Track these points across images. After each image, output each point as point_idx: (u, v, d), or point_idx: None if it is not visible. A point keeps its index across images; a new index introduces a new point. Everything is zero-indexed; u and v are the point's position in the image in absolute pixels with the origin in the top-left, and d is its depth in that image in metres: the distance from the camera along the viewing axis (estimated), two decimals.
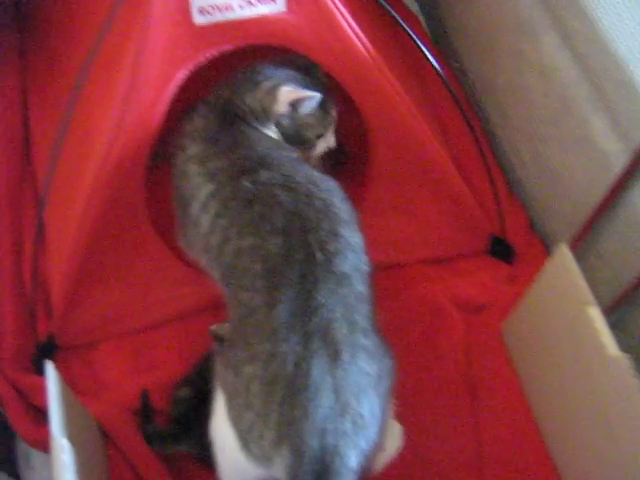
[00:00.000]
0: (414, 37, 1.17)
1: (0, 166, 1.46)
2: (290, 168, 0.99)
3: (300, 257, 0.89)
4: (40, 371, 1.27)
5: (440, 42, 1.72)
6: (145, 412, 1.21)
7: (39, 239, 1.24)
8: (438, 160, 1.29)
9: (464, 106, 1.33)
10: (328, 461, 0.84)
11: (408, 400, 1.26)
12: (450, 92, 1.27)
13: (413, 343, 1.32)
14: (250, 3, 1.08)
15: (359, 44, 1.14)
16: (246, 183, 0.96)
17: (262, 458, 0.88)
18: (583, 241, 1.28)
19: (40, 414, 1.23)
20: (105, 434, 1.19)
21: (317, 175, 1.00)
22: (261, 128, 1.10)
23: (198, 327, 1.32)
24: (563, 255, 1.10)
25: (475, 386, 1.27)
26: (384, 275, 1.39)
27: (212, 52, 1.11)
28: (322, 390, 0.84)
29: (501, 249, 1.43)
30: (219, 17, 1.08)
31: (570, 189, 1.33)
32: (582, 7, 1.21)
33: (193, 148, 1.06)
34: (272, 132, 1.12)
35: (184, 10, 1.06)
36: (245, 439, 0.88)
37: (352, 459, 0.85)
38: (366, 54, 1.15)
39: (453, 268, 1.41)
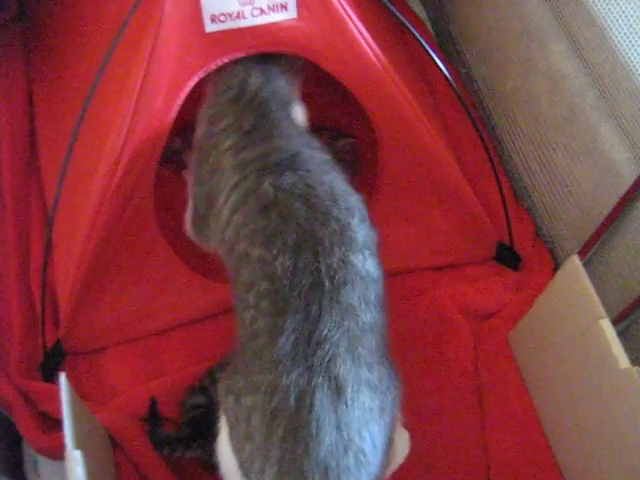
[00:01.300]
0: (423, 43, 1.16)
1: (6, 173, 1.46)
2: (315, 176, 0.95)
3: (307, 283, 0.85)
4: (47, 378, 1.28)
5: (447, 48, 1.72)
6: (153, 419, 1.21)
7: (48, 246, 1.23)
8: (446, 168, 1.29)
9: (472, 113, 1.33)
10: None
11: (415, 407, 1.26)
12: (459, 98, 1.26)
13: (420, 350, 1.32)
14: (262, 11, 1.08)
15: (370, 51, 1.14)
16: (268, 186, 0.93)
17: None
18: (591, 250, 1.28)
19: (47, 421, 1.23)
20: (113, 441, 1.19)
21: (341, 189, 0.96)
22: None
23: (206, 333, 1.33)
24: (574, 266, 1.10)
25: (482, 394, 1.28)
26: (391, 282, 1.38)
27: (223, 59, 1.11)
28: (325, 427, 0.82)
29: (508, 256, 1.43)
30: (231, 25, 1.07)
31: (578, 197, 1.33)
32: (592, 15, 1.22)
33: (228, 142, 1.02)
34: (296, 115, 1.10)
35: (196, 18, 1.06)
36: (246, 470, 0.87)
37: None
38: (377, 62, 1.15)
39: (460, 275, 1.41)
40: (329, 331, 0.84)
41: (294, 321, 0.84)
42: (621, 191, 1.19)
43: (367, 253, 0.92)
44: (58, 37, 1.52)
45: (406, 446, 1.07)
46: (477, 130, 1.32)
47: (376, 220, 1.31)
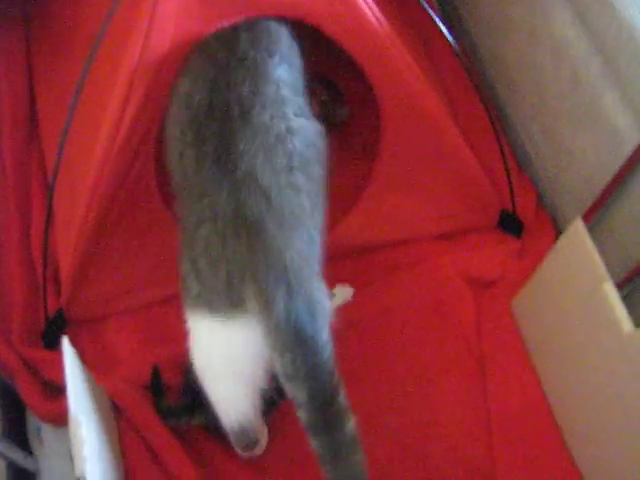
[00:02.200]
0: (428, 10, 1.16)
1: (6, 143, 1.46)
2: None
3: (220, 111, 0.96)
4: (49, 346, 1.28)
5: (450, 16, 1.71)
6: (156, 387, 1.21)
7: (49, 214, 1.23)
8: (449, 136, 1.28)
9: (475, 81, 1.32)
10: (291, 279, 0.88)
11: (416, 372, 1.28)
12: (462, 65, 1.26)
13: (423, 317, 1.33)
14: None
15: (372, 18, 1.13)
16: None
17: (232, 304, 0.90)
18: (594, 216, 1.27)
19: (50, 388, 1.24)
20: (117, 409, 1.20)
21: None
22: None
23: None
24: (577, 231, 1.09)
25: (484, 360, 1.28)
26: (394, 250, 1.40)
27: (222, 24, 1.10)
28: (265, 229, 0.89)
29: (511, 223, 1.43)
30: None
31: (580, 165, 1.32)
32: None
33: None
34: None
35: None
36: (210, 295, 0.92)
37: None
38: (378, 26, 1.14)
39: (463, 243, 1.42)
40: (244, 146, 0.93)
41: (213, 144, 0.94)
42: (624, 158, 1.19)
43: (282, 84, 1.01)
44: (57, 9, 1.51)
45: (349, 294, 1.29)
46: (480, 99, 1.31)
47: (378, 188, 1.32)
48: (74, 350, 1.02)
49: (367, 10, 1.12)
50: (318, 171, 1.00)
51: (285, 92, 1.01)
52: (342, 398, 0.90)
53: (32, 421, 1.25)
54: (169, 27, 1.06)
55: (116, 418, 1.20)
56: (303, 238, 0.93)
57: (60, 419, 1.17)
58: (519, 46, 1.42)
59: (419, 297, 1.35)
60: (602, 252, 1.08)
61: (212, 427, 1.15)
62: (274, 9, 1.10)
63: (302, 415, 0.89)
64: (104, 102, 1.14)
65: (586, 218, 1.28)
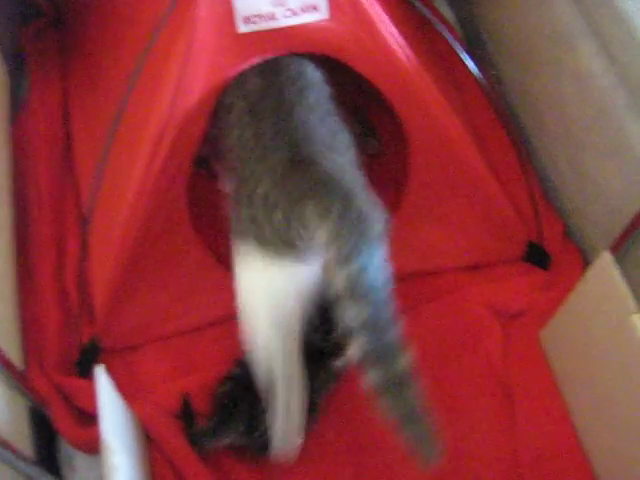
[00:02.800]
0: (454, 43, 1.18)
1: (42, 174, 1.50)
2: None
3: (274, 94, 1.07)
4: (83, 374, 1.30)
5: (475, 50, 1.73)
6: (187, 415, 1.22)
7: (84, 245, 1.26)
8: (476, 168, 1.29)
9: (501, 112, 1.33)
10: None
11: (445, 403, 1.27)
12: (489, 98, 1.27)
13: (450, 347, 1.33)
14: (293, 12, 1.09)
15: (400, 52, 1.15)
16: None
17: (287, 243, 0.97)
18: (621, 248, 1.28)
19: (83, 416, 1.26)
20: (148, 435, 1.21)
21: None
22: None
23: (238, 330, 1.34)
24: (605, 262, 1.10)
25: (513, 392, 1.28)
26: (421, 281, 1.40)
27: (254, 60, 1.13)
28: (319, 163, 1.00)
29: (538, 255, 1.43)
30: (263, 26, 1.09)
31: (607, 196, 1.33)
32: (620, 14, 1.22)
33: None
34: None
35: (229, 19, 1.08)
36: (265, 239, 0.99)
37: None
38: (406, 61, 1.16)
39: (489, 274, 1.42)
40: (299, 118, 1.06)
41: (271, 120, 1.05)
42: None
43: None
44: (93, 41, 1.56)
45: None
46: (506, 130, 1.33)
47: (404, 219, 1.33)
48: (108, 377, 1.03)
49: (396, 47, 1.14)
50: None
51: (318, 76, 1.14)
52: (399, 330, 0.93)
53: (64, 448, 1.27)
54: (204, 64, 1.09)
55: (147, 446, 1.21)
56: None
57: (92, 446, 1.19)
58: (544, 78, 1.43)
59: (446, 327, 1.35)
60: (630, 283, 1.08)
61: (242, 448, 1.16)
62: (305, 46, 1.13)
63: (359, 342, 0.91)
64: (139, 138, 1.17)
65: (613, 249, 1.28)
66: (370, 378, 0.92)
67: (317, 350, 1.21)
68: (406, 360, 0.93)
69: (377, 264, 0.92)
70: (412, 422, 0.94)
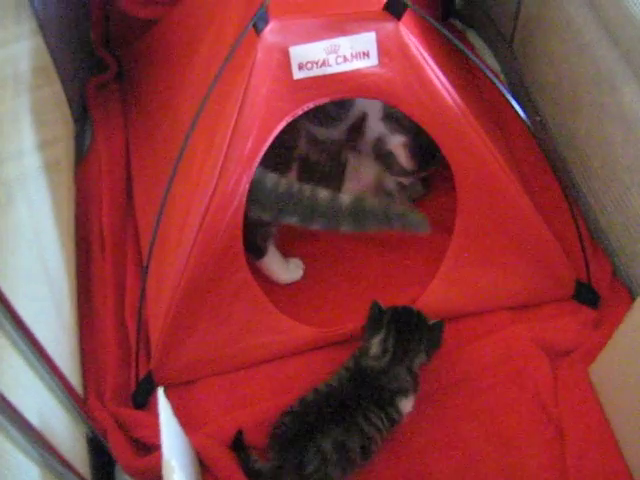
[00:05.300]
0: (502, 89, 1.20)
1: (106, 217, 1.58)
2: None
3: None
4: (139, 406, 1.34)
5: (519, 97, 1.77)
6: (240, 450, 1.24)
7: (143, 289, 1.30)
8: (523, 208, 1.31)
9: (548, 155, 1.36)
10: None
11: (494, 439, 1.27)
12: (536, 140, 1.30)
13: (500, 386, 1.34)
14: (345, 59, 1.15)
15: (448, 97, 1.19)
16: None
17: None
18: None
19: (139, 446, 1.29)
20: (203, 464, 1.24)
21: None
22: None
23: (291, 367, 1.37)
24: None
25: (563, 427, 1.27)
26: (469, 320, 1.42)
27: (309, 104, 1.19)
28: None
29: (587, 294, 1.43)
30: (317, 72, 1.16)
31: None
32: None
33: None
34: None
35: (285, 66, 1.14)
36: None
37: None
38: (455, 107, 1.20)
39: (538, 312, 1.42)
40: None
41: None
42: None
43: None
44: (152, 92, 1.65)
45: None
46: (553, 173, 1.35)
47: (452, 261, 1.35)
48: (168, 400, 1.07)
49: (444, 91, 1.19)
50: None
51: None
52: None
53: (120, 477, 1.30)
54: (260, 109, 1.15)
55: (202, 471, 1.24)
56: None
57: (148, 475, 1.23)
58: (588, 121, 1.46)
59: (495, 365, 1.35)
60: None
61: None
62: (356, 91, 1.19)
63: None
64: (198, 172, 1.22)
65: None
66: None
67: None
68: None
69: None
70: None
